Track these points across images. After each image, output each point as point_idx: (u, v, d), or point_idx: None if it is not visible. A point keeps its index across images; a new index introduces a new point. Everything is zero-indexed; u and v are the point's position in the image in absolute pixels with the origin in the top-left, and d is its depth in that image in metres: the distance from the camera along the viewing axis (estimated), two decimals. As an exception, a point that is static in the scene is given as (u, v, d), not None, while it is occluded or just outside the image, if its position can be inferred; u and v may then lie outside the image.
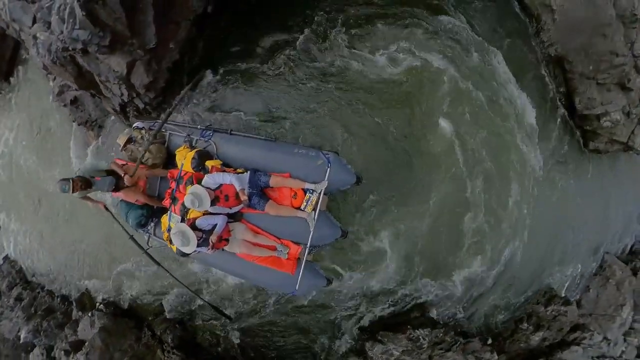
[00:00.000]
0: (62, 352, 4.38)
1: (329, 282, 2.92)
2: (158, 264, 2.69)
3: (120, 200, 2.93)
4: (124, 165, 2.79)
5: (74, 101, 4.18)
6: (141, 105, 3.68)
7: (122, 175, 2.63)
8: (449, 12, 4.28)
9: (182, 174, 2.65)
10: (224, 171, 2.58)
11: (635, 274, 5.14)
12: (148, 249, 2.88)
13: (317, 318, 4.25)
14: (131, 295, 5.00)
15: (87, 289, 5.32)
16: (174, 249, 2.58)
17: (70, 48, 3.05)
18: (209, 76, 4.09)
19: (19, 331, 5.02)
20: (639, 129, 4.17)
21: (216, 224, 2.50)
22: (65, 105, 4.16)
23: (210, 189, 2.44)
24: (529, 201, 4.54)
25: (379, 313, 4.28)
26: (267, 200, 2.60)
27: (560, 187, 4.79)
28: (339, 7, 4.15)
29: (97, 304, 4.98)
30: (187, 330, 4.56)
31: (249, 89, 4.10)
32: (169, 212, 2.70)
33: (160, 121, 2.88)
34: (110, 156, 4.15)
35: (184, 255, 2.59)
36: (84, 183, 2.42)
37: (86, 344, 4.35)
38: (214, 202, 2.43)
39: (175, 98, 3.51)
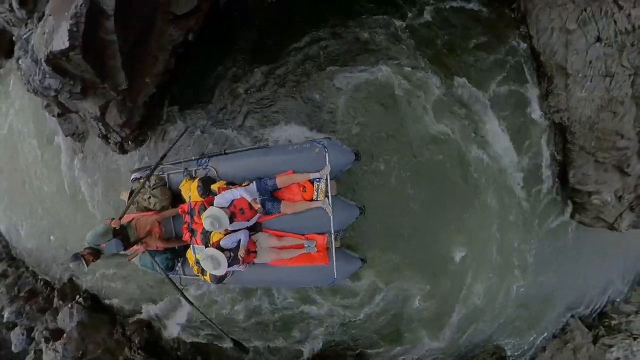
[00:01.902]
0: (43, 338, 4.80)
1: (364, 261, 3.01)
2: (192, 304, 2.78)
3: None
4: (133, 218, 2.84)
5: (61, 114, 4.23)
6: (118, 139, 3.74)
7: (143, 229, 2.69)
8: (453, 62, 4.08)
9: (193, 205, 2.72)
10: (231, 189, 2.65)
11: (595, 342, 5.29)
12: (183, 288, 2.98)
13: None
14: (110, 292, 5.34)
15: (70, 279, 5.67)
16: (208, 279, 2.70)
17: (44, 94, 3.05)
18: (191, 108, 4.08)
19: (2, 310, 5.47)
20: (627, 213, 4.10)
21: (240, 239, 2.58)
22: (53, 116, 4.21)
23: (225, 207, 2.50)
24: (508, 262, 4.58)
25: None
26: (280, 201, 2.68)
27: (540, 250, 4.81)
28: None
29: (78, 297, 5.34)
30: (153, 333, 4.93)
31: (235, 110, 4.19)
32: (191, 246, 2.80)
33: (150, 170, 2.94)
34: (101, 171, 4.31)
35: (220, 280, 2.70)
36: (94, 254, 2.47)
37: (64, 335, 4.74)
38: (231, 218, 2.48)
39: (166, 149, 3.43)
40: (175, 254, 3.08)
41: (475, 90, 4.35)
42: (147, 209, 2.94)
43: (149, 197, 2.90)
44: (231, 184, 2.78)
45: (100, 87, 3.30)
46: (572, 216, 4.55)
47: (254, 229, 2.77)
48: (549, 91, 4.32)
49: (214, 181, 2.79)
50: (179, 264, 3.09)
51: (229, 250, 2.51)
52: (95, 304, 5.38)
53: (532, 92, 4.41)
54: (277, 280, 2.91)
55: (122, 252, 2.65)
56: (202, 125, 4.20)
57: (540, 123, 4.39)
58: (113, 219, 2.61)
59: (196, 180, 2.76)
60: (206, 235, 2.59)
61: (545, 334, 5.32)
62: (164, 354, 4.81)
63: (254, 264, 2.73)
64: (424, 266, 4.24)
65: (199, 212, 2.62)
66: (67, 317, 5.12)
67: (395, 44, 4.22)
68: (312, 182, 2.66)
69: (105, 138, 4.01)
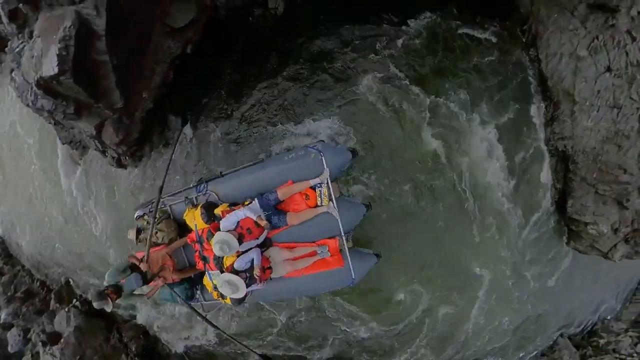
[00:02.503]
0: (40, 342, 4.89)
1: (379, 256, 3.04)
2: (218, 328, 2.82)
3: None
4: (147, 255, 2.82)
5: (58, 122, 4.13)
6: (115, 156, 3.67)
7: (138, 264, 2.70)
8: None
9: (200, 233, 2.73)
10: (234, 210, 2.66)
11: (583, 362, 5.40)
12: (206, 315, 3.01)
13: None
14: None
15: (67, 281, 5.73)
16: (229, 302, 2.74)
17: (38, 114, 2.95)
18: (185, 130, 4.01)
19: (-1, 310, 5.55)
20: (622, 245, 4.11)
21: (252, 259, 2.60)
22: (50, 124, 4.12)
23: (231, 230, 2.52)
24: (503, 281, 4.62)
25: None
26: (286, 214, 2.68)
27: (536, 272, 4.84)
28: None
29: (74, 300, 5.41)
30: (150, 340, 5.03)
31: (232, 124, 4.13)
32: (206, 272, 2.80)
33: (153, 205, 2.92)
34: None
35: (241, 301, 2.73)
36: (115, 291, 2.48)
37: (62, 340, 4.83)
38: (240, 240, 2.48)
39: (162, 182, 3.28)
40: (193, 283, 3.10)
41: (480, 111, 4.26)
42: (156, 244, 2.93)
43: (156, 232, 2.87)
44: (234, 204, 2.77)
45: (94, 107, 3.22)
46: (567, 243, 4.57)
47: (264, 245, 2.77)
48: (554, 117, 4.23)
49: (216, 205, 2.78)
50: (198, 291, 3.11)
51: (244, 271, 2.52)
52: (91, 309, 5.46)
53: (538, 117, 4.33)
54: (296, 291, 2.94)
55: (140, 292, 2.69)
56: (200, 140, 4.13)
57: (544, 149, 4.34)
58: (133, 256, 2.64)
59: (199, 207, 2.76)
60: (219, 260, 2.60)
61: (535, 352, 5.44)
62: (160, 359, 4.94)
63: (271, 279, 2.75)
64: (420, 287, 4.27)
65: (207, 238, 2.62)
66: (64, 321, 5.22)
67: (400, 62, 4.09)
68: (313, 188, 2.65)
69: (102, 152, 3.95)
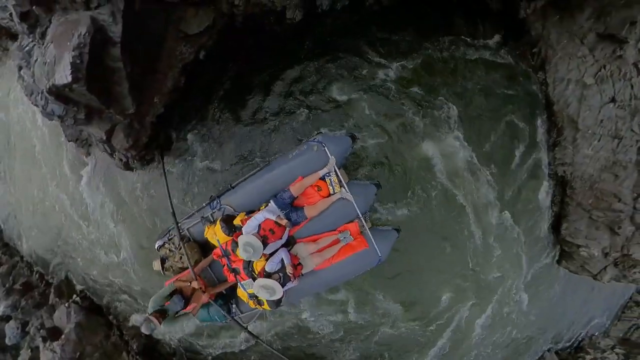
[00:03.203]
0: (40, 337, 4.88)
1: (399, 230, 3.15)
2: (260, 340, 2.85)
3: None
4: (179, 279, 2.86)
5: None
6: (124, 159, 3.60)
7: (189, 288, 2.71)
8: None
9: (224, 246, 2.75)
10: (253, 215, 2.70)
11: (567, 378, 5.62)
12: (247, 326, 3.03)
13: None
14: (107, 294, 5.41)
15: (66, 276, 5.69)
16: (267, 307, 2.77)
17: (47, 118, 2.87)
18: (199, 127, 3.94)
19: (-2, 303, 5.50)
20: (611, 268, 4.29)
21: (282, 258, 2.61)
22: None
23: (254, 233, 2.55)
24: (497, 301, 4.78)
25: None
26: (302, 208, 2.74)
27: (530, 289, 4.99)
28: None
29: (75, 296, 5.39)
30: (151, 339, 5.07)
31: (242, 132, 4.13)
32: (239, 284, 2.82)
33: (172, 228, 2.94)
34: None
35: (279, 303, 2.77)
36: (161, 314, 2.52)
37: (62, 336, 4.83)
38: (264, 242, 2.50)
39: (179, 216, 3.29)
40: (226, 298, 3.11)
41: (484, 131, 4.31)
42: (183, 269, 2.93)
43: (180, 258, 2.88)
44: (251, 212, 2.81)
45: (106, 112, 3.15)
46: (558, 262, 4.74)
47: (289, 244, 2.82)
48: (556, 142, 4.33)
49: (234, 217, 2.81)
50: (234, 306, 3.12)
51: (276, 272, 2.55)
52: (91, 305, 5.46)
53: (541, 141, 4.41)
54: (329, 281, 2.95)
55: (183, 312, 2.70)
56: (207, 149, 4.09)
57: (544, 173, 4.44)
58: (180, 280, 2.67)
59: (217, 222, 2.77)
60: (249, 267, 2.61)
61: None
62: (160, 359, 4.99)
63: (302, 275, 2.80)
64: (417, 305, 4.39)
65: (232, 250, 2.65)
66: (65, 317, 5.21)
67: (409, 82, 4.10)
68: (323, 179, 2.71)
69: (110, 155, 3.89)
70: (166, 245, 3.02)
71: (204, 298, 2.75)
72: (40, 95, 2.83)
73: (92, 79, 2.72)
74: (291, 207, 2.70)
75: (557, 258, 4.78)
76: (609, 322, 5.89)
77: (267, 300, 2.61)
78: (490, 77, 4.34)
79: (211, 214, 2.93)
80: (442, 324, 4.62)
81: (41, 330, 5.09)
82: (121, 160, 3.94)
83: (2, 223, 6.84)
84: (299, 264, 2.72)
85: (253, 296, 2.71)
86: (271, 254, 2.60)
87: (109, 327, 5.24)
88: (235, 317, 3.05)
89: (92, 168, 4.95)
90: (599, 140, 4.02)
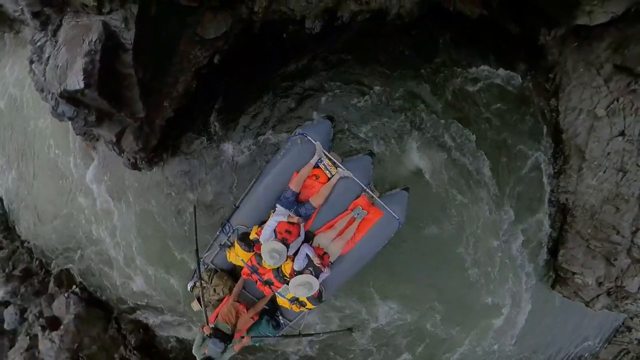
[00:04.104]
0: (39, 326, 4.89)
1: (408, 189, 3.19)
2: (314, 334, 3.01)
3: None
4: (217, 315, 2.83)
5: None
6: (132, 160, 3.53)
7: (232, 316, 2.72)
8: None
9: (250, 263, 2.77)
10: (265, 225, 2.70)
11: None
12: (300, 331, 3.04)
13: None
14: (106, 286, 5.40)
15: (67, 267, 5.67)
16: (310, 306, 2.78)
17: (58, 119, 2.78)
18: (208, 134, 3.86)
19: (-2, 288, 5.49)
20: (604, 297, 4.36)
21: (306, 253, 2.61)
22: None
23: (272, 239, 2.56)
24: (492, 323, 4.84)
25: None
26: (308, 200, 2.76)
27: (523, 311, 5.04)
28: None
29: (74, 286, 5.38)
30: (149, 334, 5.10)
31: (250, 141, 4.05)
32: (276, 294, 2.82)
33: (197, 268, 2.91)
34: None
35: (320, 298, 2.78)
36: None
37: (62, 327, 4.84)
38: (285, 244, 2.51)
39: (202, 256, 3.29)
40: (271, 313, 3.09)
41: (489, 152, 4.27)
42: (221, 300, 2.93)
43: (214, 290, 2.88)
44: (262, 223, 2.81)
45: (116, 115, 3.07)
46: (552, 286, 4.78)
47: (309, 239, 2.83)
48: (561, 170, 4.31)
49: (248, 232, 2.82)
50: (280, 317, 3.11)
51: (306, 268, 2.56)
52: (90, 297, 5.46)
53: (547, 167, 4.38)
54: (359, 260, 2.93)
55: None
56: (217, 153, 4.03)
57: (547, 199, 4.43)
58: (203, 326, 2.66)
59: (235, 243, 2.77)
60: (280, 274, 2.62)
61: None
62: (158, 355, 5.04)
63: (332, 263, 2.81)
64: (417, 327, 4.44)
65: (258, 263, 2.67)
66: (64, 307, 5.22)
67: (421, 102, 4.03)
68: (317, 166, 2.72)
69: (118, 154, 3.82)
70: (197, 284, 2.99)
71: (249, 320, 2.75)
72: (50, 96, 2.74)
73: (103, 84, 2.63)
74: (297, 203, 2.71)
75: (551, 282, 4.83)
76: (599, 346, 5.91)
77: (308, 299, 2.61)
78: (501, 99, 4.28)
79: (227, 239, 2.92)
80: (435, 340, 4.69)
81: (40, 319, 5.10)
82: (129, 160, 3.88)
83: (7, 205, 6.73)
84: (325, 253, 2.72)
85: (294, 300, 2.72)
86: (295, 254, 2.61)
87: (107, 320, 5.27)
88: (286, 330, 3.05)
89: (99, 161, 4.86)
90: (604, 172, 4.01)
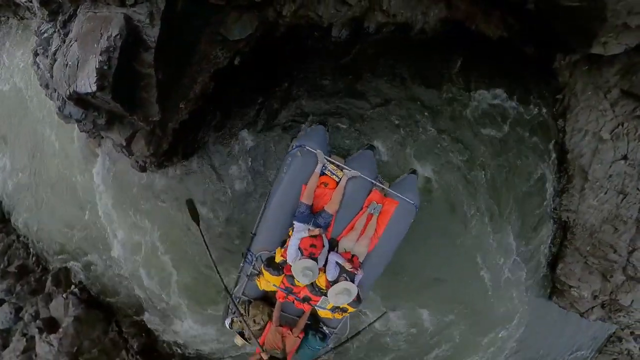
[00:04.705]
0: (36, 328, 4.49)
1: (415, 171, 3.23)
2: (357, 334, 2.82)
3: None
4: (264, 343, 2.70)
5: None
6: (142, 164, 3.18)
7: (278, 342, 2.60)
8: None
9: (283, 286, 2.65)
10: (287, 245, 2.58)
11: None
12: (348, 336, 2.94)
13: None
14: (107, 287, 5.02)
15: (65, 266, 5.22)
16: (351, 309, 2.67)
17: (64, 122, 2.41)
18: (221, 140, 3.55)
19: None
20: (598, 309, 4.41)
21: (335, 262, 2.52)
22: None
23: (300, 257, 2.45)
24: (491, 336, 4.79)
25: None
26: (323, 209, 2.65)
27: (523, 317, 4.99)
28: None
29: (73, 286, 4.97)
30: (151, 339, 4.78)
31: (261, 153, 3.81)
32: (315, 308, 2.73)
33: (232, 307, 2.83)
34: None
35: (360, 300, 2.67)
36: None
37: (60, 329, 4.46)
38: (313, 258, 2.42)
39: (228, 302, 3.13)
40: (314, 326, 2.96)
41: (499, 173, 4.17)
42: (262, 329, 2.78)
43: (254, 321, 2.74)
44: (284, 243, 2.68)
45: (128, 118, 2.71)
46: (549, 297, 4.79)
47: (333, 247, 2.73)
48: (564, 189, 4.28)
49: (273, 256, 2.68)
50: (324, 328, 2.97)
51: (339, 275, 2.46)
52: (89, 298, 5.05)
53: (550, 185, 4.33)
54: (387, 253, 2.83)
55: None
56: (230, 160, 3.73)
57: (549, 215, 4.39)
58: (253, 355, 2.55)
59: (263, 270, 2.64)
60: (315, 288, 2.54)
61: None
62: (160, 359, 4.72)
63: (362, 263, 2.72)
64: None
65: (292, 284, 2.56)
66: (62, 308, 4.81)
67: (432, 124, 3.86)
68: (323, 174, 2.63)
69: (126, 156, 3.45)
70: (235, 319, 2.87)
71: (296, 339, 2.65)
72: (57, 96, 2.37)
73: (118, 86, 2.30)
74: (313, 215, 2.60)
75: (549, 293, 4.83)
76: (591, 356, 5.92)
77: (349, 304, 2.52)
78: (510, 117, 4.18)
79: (253, 267, 2.77)
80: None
81: (37, 321, 4.67)
82: (137, 162, 3.52)
83: (3, 195, 6.11)
84: (353, 255, 2.64)
85: (335, 308, 2.63)
86: (325, 264, 2.51)
87: (107, 323, 4.89)
88: (331, 336, 2.96)
89: (103, 157, 4.43)
90: (605, 193, 4.00)
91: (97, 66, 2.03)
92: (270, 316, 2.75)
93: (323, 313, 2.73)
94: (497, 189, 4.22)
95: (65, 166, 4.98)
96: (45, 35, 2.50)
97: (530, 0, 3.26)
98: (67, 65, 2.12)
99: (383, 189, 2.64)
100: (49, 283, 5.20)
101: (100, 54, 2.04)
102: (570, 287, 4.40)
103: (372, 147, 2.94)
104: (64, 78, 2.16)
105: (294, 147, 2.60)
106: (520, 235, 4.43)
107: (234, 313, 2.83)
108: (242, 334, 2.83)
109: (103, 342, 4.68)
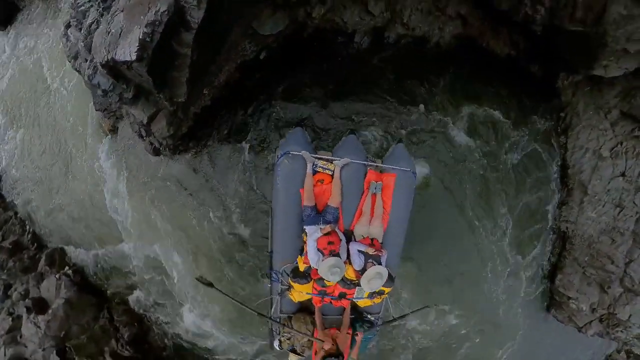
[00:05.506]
0: (24, 308, 4.25)
1: (401, 140, 3.26)
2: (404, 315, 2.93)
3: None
4: (316, 352, 2.64)
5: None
6: (156, 145, 3.19)
7: (332, 346, 2.53)
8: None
9: (316, 291, 2.67)
10: (305, 251, 2.60)
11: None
12: (392, 317, 3.02)
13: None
14: (102, 272, 4.84)
15: (61, 247, 5.04)
16: (388, 289, 2.67)
17: (89, 89, 2.44)
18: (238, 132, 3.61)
19: (-18, 260, 4.79)
20: (596, 323, 4.43)
21: (357, 250, 2.53)
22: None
23: (321, 257, 2.42)
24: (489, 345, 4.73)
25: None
26: (327, 205, 2.66)
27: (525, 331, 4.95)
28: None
29: (67, 268, 4.77)
30: (142, 328, 4.58)
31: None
32: (354, 300, 2.77)
33: (275, 329, 2.90)
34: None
35: (392, 279, 2.66)
36: None
37: (50, 311, 4.25)
38: (335, 254, 2.41)
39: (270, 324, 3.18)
40: (360, 318, 2.93)
41: (502, 185, 4.28)
42: (312, 337, 2.78)
43: (300, 335, 2.72)
44: (302, 250, 2.71)
45: (154, 95, 2.73)
46: (547, 309, 4.80)
47: (349, 237, 2.74)
48: (564, 201, 4.42)
49: (296, 266, 2.70)
50: (369, 316, 2.97)
51: (366, 262, 2.44)
52: (82, 281, 4.85)
53: (551, 198, 4.46)
54: (401, 226, 2.86)
55: None
56: (247, 152, 3.74)
57: (548, 226, 4.49)
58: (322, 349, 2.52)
59: (291, 283, 2.65)
60: (346, 282, 2.55)
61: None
62: (151, 352, 4.51)
63: (382, 244, 2.72)
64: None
65: (323, 286, 2.58)
66: (53, 289, 4.60)
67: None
68: (315, 172, 2.63)
69: (141, 136, 3.43)
70: (282, 339, 2.83)
71: (347, 336, 2.61)
72: (89, 63, 2.40)
73: (154, 60, 2.34)
74: (320, 214, 2.62)
75: (547, 305, 4.84)
76: None
77: (384, 285, 2.50)
78: (514, 133, 4.34)
79: (280, 284, 2.77)
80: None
81: (26, 300, 4.43)
82: (151, 144, 3.51)
83: (3, 170, 5.92)
84: (372, 239, 2.65)
85: (372, 294, 2.62)
86: (348, 257, 2.52)
87: (99, 309, 4.67)
88: (378, 321, 2.95)
89: (112, 141, 4.40)
90: (603, 206, 4.14)
91: (140, 37, 2.09)
92: (314, 324, 2.71)
93: (362, 303, 2.72)
94: (502, 198, 4.32)
95: (73, 147, 4.91)
96: (82, 8, 2.56)
97: (536, 22, 3.51)
98: (109, 32, 2.17)
99: (377, 166, 2.69)
100: (42, 262, 4.99)
101: (146, 26, 2.10)
102: (569, 298, 4.44)
103: (353, 132, 2.97)
104: (104, 44, 2.20)
105: (279, 156, 2.62)
106: (520, 245, 4.50)
107: (279, 334, 2.80)
108: (294, 351, 2.77)
109: (92, 328, 4.45)
